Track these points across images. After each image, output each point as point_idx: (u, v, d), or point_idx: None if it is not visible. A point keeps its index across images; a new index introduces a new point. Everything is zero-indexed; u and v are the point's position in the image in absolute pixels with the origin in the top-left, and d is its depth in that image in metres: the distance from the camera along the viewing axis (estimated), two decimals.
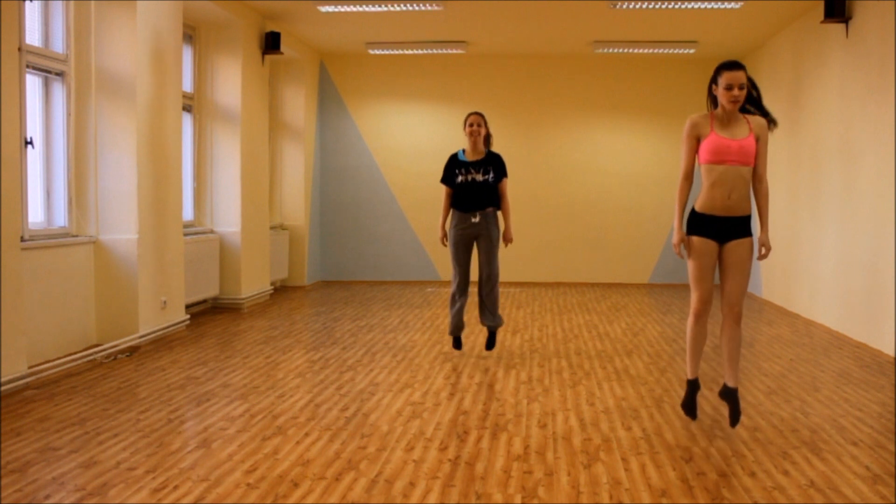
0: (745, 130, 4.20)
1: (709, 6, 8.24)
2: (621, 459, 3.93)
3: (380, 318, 8.28)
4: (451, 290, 6.40)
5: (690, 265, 4.31)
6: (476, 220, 6.23)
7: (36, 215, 6.16)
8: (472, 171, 6.20)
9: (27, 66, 5.86)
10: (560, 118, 11.74)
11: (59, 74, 6.31)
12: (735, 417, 4.32)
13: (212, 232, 8.81)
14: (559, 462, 3.88)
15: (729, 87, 4.13)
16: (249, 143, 9.11)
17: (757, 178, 4.27)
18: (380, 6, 8.55)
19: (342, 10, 8.76)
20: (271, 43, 9.35)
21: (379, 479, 3.64)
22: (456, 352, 6.55)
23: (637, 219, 11.74)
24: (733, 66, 4.14)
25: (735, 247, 4.26)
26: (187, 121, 8.56)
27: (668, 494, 3.46)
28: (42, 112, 6.25)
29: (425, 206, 11.59)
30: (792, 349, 6.85)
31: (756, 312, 9.02)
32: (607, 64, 11.59)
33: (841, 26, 7.66)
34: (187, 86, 8.48)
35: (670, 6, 8.27)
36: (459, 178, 6.23)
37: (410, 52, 11.15)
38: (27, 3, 5.90)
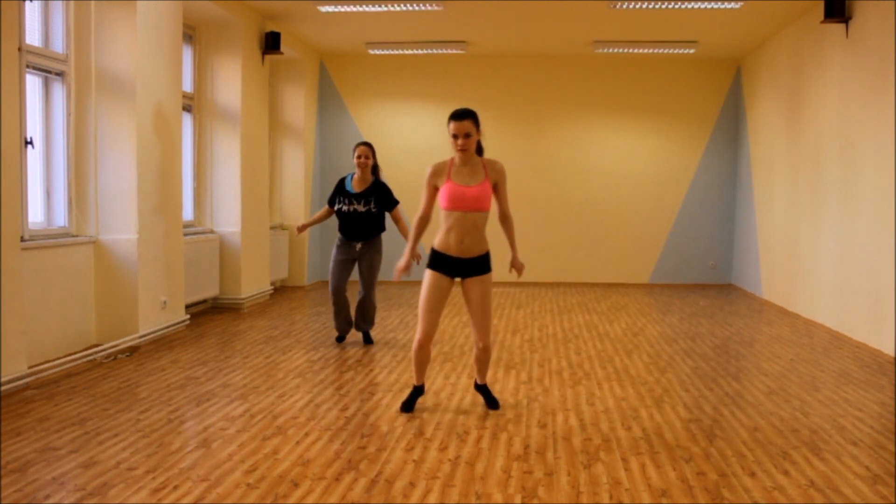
0: (480, 177, 4.41)
1: (709, 6, 8.24)
2: (621, 459, 3.93)
3: (380, 318, 8.27)
4: (333, 314, 6.86)
5: (422, 297, 4.52)
6: (359, 248, 6.66)
7: (36, 215, 6.16)
8: (355, 201, 6.49)
9: (27, 66, 5.86)
10: (560, 118, 11.74)
11: (59, 74, 6.31)
12: (491, 404, 4.81)
13: (212, 232, 8.81)
14: (559, 462, 3.88)
15: (455, 137, 4.31)
16: (249, 143, 9.11)
17: (502, 217, 4.63)
18: (380, 6, 8.55)
19: (342, 10, 8.76)
20: (271, 43, 9.35)
21: (379, 479, 3.64)
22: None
23: (637, 219, 11.74)
24: (458, 115, 4.33)
25: (473, 284, 4.53)
26: (187, 121, 8.56)
27: (668, 494, 3.46)
28: (42, 112, 6.25)
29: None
30: (792, 349, 6.85)
31: (756, 312, 9.02)
32: (607, 64, 11.58)
33: (841, 26, 7.66)
34: (187, 86, 8.48)
35: (670, 6, 8.27)
36: (343, 207, 6.55)
37: (410, 52, 11.15)
38: (27, 3, 5.90)
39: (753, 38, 10.08)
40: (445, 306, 4.74)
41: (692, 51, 10.72)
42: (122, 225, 6.55)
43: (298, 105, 10.94)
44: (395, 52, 11.14)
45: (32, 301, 5.63)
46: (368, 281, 6.71)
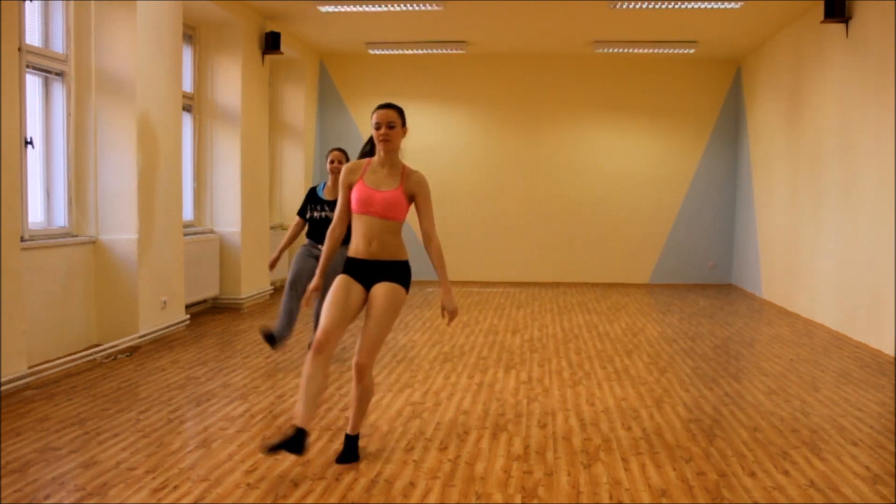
0: (395, 183, 3.88)
1: (709, 6, 8.24)
2: (621, 459, 3.93)
3: None
4: (282, 305, 6.08)
5: (327, 297, 3.88)
6: None
7: (36, 215, 6.15)
8: (328, 208, 6.14)
9: (27, 66, 5.86)
10: (560, 118, 11.74)
11: (59, 74, 6.31)
12: (343, 459, 3.87)
13: (212, 232, 8.81)
14: (559, 462, 3.88)
15: (377, 126, 3.87)
16: (249, 143, 9.11)
17: (425, 238, 3.97)
18: (380, 6, 8.55)
19: (342, 10, 8.76)
20: (271, 43, 9.35)
21: (379, 479, 3.64)
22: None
23: (637, 219, 11.74)
24: (384, 105, 3.93)
25: (375, 290, 3.87)
26: (187, 121, 8.56)
27: (668, 494, 3.46)
28: (42, 112, 6.24)
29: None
30: (792, 349, 6.85)
31: (756, 312, 9.02)
32: (607, 64, 11.58)
33: (841, 26, 7.66)
34: (187, 86, 8.48)
35: (670, 6, 8.27)
36: (315, 214, 6.19)
37: (410, 52, 11.15)
38: (27, 3, 5.90)
39: (753, 38, 10.08)
40: (359, 318, 3.98)
41: (692, 51, 10.72)
42: (121, 225, 6.55)
43: (298, 105, 10.94)
44: (395, 52, 11.14)
45: (32, 301, 5.63)
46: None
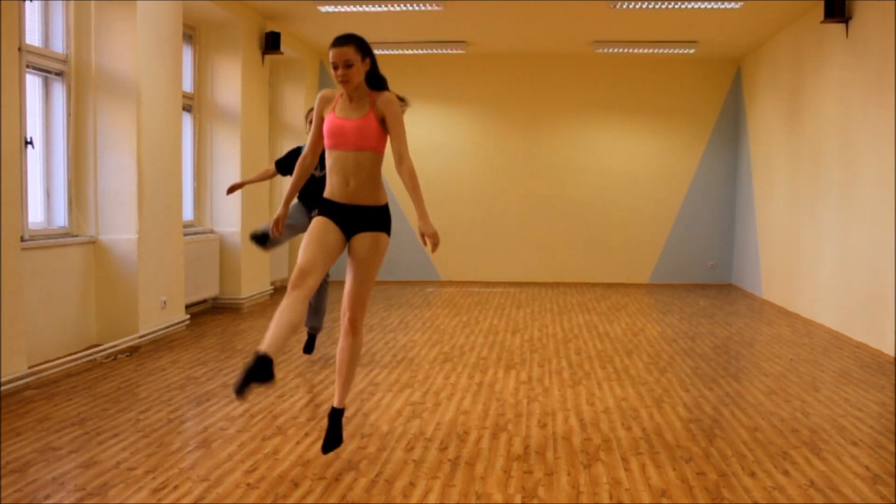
0: (365, 109, 3.61)
1: (709, 6, 8.24)
2: (621, 459, 3.93)
3: (379, 318, 8.28)
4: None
5: (305, 236, 3.67)
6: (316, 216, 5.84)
7: (36, 215, 6.15)
8: (318, 167, 5.53)
9: (27, 66, 5.86)
10: (560, 118, 11.74)
11: (59, 74, 6.31)
12: (328, 443, 3.72)
13: (212, 232, 8.81)
14: (559, 462, 3.88)
15: (334, 66, 3.56)
16: (249, 143, 9.11)
17: (396, 159, 3.65)
18: (380, 6, 8.55)
19: (342, 10, 8.76)
20: (271, 43, 9.35)
21: (379, 479, 3.64)
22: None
23: (637, 219, 11.74)
24: (337, 41, 3.57)
25: (359, 240, 3.65)
26: (187, 121, 8.56)
27: (668, 494, 3.46)
28: (42, 112, 6.24)
29: (425, 206, 11.62)
30: (792, 349, 6.85)
31: (756, 312, 9.02)
32: (607, 64, 11.58)
33: (841, 26, 7.66)
34: (187, 86, 8.48)
35: (670, 6, 8.27)
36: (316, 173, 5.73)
37: (410, 52, 11.15)
38: (27, 3, 5.90)
39: (753, 38, 10.08)
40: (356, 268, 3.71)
41: (692, 51, 10.72)
42: (122, 225, 6.55)
43: (298, 105, 10.94)
44: (395, 52, 11.14)
45: (32, 301, 5.63)
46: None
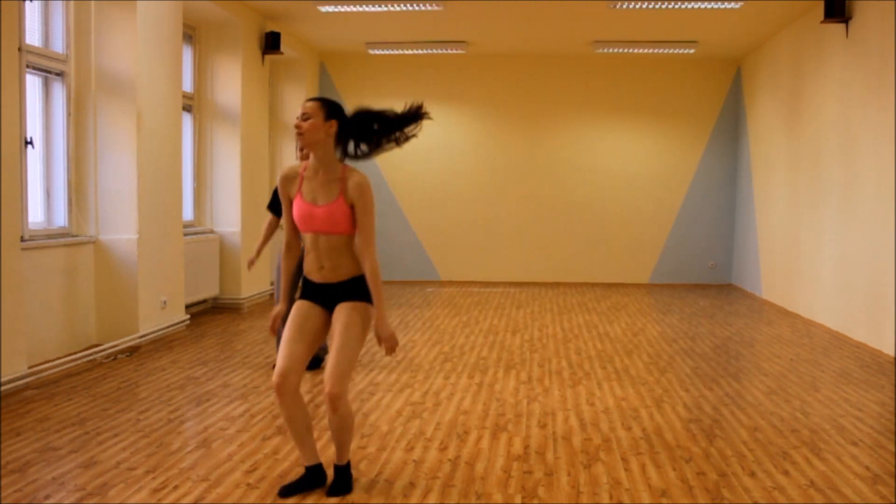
0: (334, 192, 3.37)
1: (709, 6, 8.24)
2: (621, 459, 3.93)
3: None
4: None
5: (286, 326, 3.49)
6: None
7: (36, 215, 6.15)
8: None
9: (27, 66, 5.86)
10: (560, 118, 11.74)
11: (59, 74, 6.31)
12: (335, 491, 3.48)
13: (212, 232, 8.81)
14: (559, 462, 3.88)
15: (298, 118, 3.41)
16: (249, 143, 9.11)
17: (359, 251, 3.45)
18: (380, 6, 8.55)
19: (342, 10, 8.76)
20: (271, 43, 9.35)
21: (379, 479, 3.64)
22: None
23: (637, 219, 11.74)
24: (310, 98, 3.49)
25: (337, 311, 3.46)
26: (187, 121, 8.56)
27: (668, 494, 3.46)
28: (42, 112, 6.24)
29: (425, 206, 11.64)
30: (792, 349, 6.85)
31: (756, 312, 9.02)
32: (607, 64, 11.58)
33: (841, 26, 7.66)
34: (187, 86, 8.48)
35: (670, 6, 8.27)
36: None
37: (410, 52, 11.15)
38: (27, 3, 5.90)
39: (753, 38, 10.08)
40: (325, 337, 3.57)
41: (692, 51, 10.72)
42: (122, 225, 6.55)
43: (298, 105, 10.90)
44: (395, 52, 11.14)
45: (32, 301, 5.63)
46: None
